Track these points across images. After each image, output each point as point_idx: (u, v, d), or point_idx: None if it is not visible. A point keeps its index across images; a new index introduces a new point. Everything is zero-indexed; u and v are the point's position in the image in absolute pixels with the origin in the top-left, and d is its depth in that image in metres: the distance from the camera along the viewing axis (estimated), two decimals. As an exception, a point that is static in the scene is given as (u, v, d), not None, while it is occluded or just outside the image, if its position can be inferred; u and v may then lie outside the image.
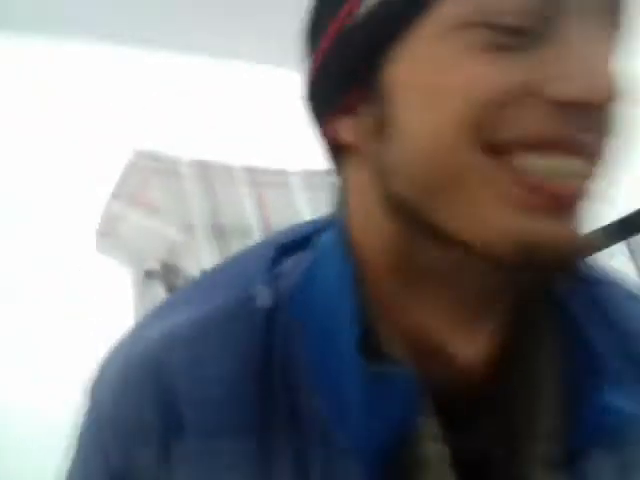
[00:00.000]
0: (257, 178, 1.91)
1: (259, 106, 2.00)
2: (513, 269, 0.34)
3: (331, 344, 0.36)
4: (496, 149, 0.32)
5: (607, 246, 2.49)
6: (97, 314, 1.46)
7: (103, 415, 0.38)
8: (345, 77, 0.37)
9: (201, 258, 1.54)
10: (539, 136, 0.31)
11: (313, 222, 0.45)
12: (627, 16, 0.34)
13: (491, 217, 0.32)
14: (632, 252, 2.53)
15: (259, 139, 2.04)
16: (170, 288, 1.46)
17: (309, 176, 2.06)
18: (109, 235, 1.57)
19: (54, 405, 1.15)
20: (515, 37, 0.31)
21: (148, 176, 1.66)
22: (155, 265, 1.52)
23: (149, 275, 1.50)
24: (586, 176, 0.33)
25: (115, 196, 1.62)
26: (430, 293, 0.38)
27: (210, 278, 0.45)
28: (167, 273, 1.49)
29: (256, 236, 1.78)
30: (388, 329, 0.38)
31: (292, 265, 0.41)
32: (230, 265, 0.45)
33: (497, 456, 0.38)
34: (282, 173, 1.98)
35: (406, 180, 0.35)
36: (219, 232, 1.67)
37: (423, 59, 0.33)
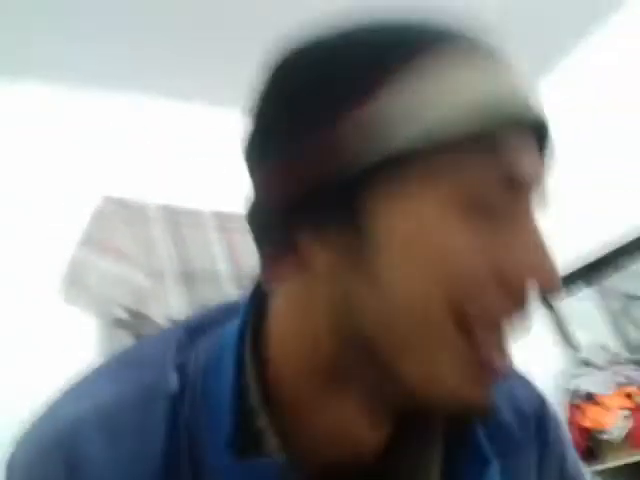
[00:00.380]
0: (226, 223, 1.91)
1: (228, 151, 2.02)
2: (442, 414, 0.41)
3: (214, 435, 0.38)
4: (464, 324, 0.35)
5: (573, 290, 2.54)
6: (61, 363, 1.41)
7: None
8: (325, 203, 0.36)
9: (170, 304, 1.51)
10: (496, 318, 0.36)
11: (225, 305, 0.46)
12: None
13: (447, 380, 0.36)
14: (602, 296, 2.58)
15: (228, 184, 2.05)
16: (137, 335, 1.43)
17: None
18: (75, 283, 1.53)
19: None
20: (488, 212, 0.35)
21: (116, 223, 1.64)
22: (122, 312, 1.49)
23: (117, 323, 1.46)
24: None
25: (83, 243, 1.59)
26: (348, 399, 0.40)
27: (122, 358, 0.45)
28: (135, 320, 1.46)
29: (226, 281, 1.76)
30: (288, 425, 0.39)
31: (201, 349, 0.42)
32: (141, 346, 0.47)
33: None
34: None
35: (375, 324, 0.36)
36: (188, 278, 1.65)
37: (409, 211, 0.35)
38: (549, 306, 2.69)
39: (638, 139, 2.32)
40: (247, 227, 0.44)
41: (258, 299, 0.43)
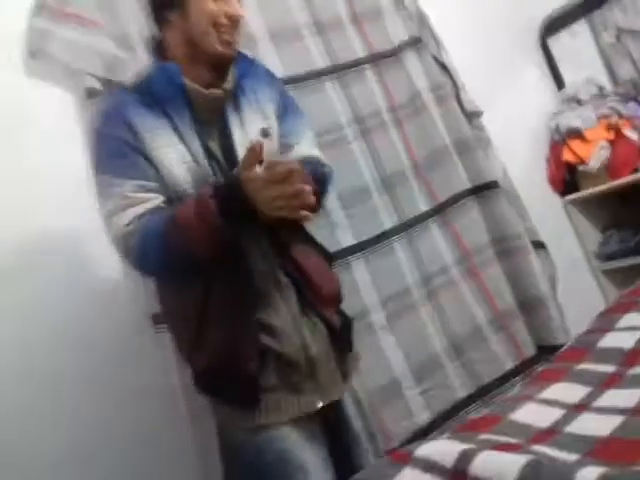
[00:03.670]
0: None
1: None
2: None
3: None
4: (217, 29, 1.14)
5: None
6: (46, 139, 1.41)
7: (104, 130, 1.13)
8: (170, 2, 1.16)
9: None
10: (227, 28, 1.15)
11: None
12: None
13: (214, 42, 1.14)
14: (595, 31, 2.48)
15: None
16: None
17: None
18: (39, 54, 1.45)
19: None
20: None
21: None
22: (95, 83, 1.44)
23: (90, 93, 1.42)
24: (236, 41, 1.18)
25: (37, 11, 1.47)
26: (201, 67, 1.17)
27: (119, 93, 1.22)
28: (109, 89, 1.42)
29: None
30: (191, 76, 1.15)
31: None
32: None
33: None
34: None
35: (196, 34, 1.14)
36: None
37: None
38: (542, 45, 2.59)
39: None
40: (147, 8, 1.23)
41: (158, 44, 1.21)
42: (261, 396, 1.08)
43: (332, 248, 1.61)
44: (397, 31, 2.10)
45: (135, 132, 1.08)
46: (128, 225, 1.05)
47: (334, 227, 1.75)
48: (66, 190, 1.41)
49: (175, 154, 1.09)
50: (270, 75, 1.33)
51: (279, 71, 1.81)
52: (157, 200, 1.08)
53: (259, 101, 1.22)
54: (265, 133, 1.19)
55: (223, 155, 1.14)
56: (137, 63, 1.46)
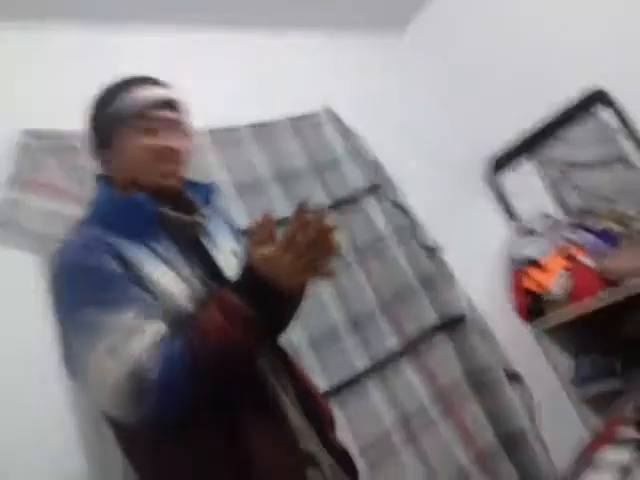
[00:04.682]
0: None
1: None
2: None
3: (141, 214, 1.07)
4: (153, 164, 1.12)
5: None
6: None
7: (78, 262, 0.99)
8: (103, 142, 1.16)
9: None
10: (163, 164, 1.13)
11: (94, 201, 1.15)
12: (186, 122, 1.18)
13: (153, 178, 1.11)
14: (542, 166, 2.67)
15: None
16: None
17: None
18: (8, 224, 1.49)
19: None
20: (149, 135, 1.11)
21: (41, 156, 1.58)
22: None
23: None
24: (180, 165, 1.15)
25: (9, 183, 1.53)
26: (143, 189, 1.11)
27: (80, 229, 1.10)
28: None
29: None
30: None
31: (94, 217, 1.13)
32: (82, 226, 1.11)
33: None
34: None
35: (127, 171, 1.13)
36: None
37: (129, 138, 1.11)
38: (490, 181, 2.77)
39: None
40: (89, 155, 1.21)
41: (104, 175, 1.17)
42: None
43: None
44: (355, 179, 2.24)
45: (123, 260, 0.97)
46: (142, 355, 0.87)
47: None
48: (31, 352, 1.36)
49: (169, 279, 0.99)
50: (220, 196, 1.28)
51: (246, 222, 1.89)
52: (163, 325, 0.92)
53: (224, 224, 1.22)
54: (235, 254, 1.17)
55: (211, 279, 1.05)
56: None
